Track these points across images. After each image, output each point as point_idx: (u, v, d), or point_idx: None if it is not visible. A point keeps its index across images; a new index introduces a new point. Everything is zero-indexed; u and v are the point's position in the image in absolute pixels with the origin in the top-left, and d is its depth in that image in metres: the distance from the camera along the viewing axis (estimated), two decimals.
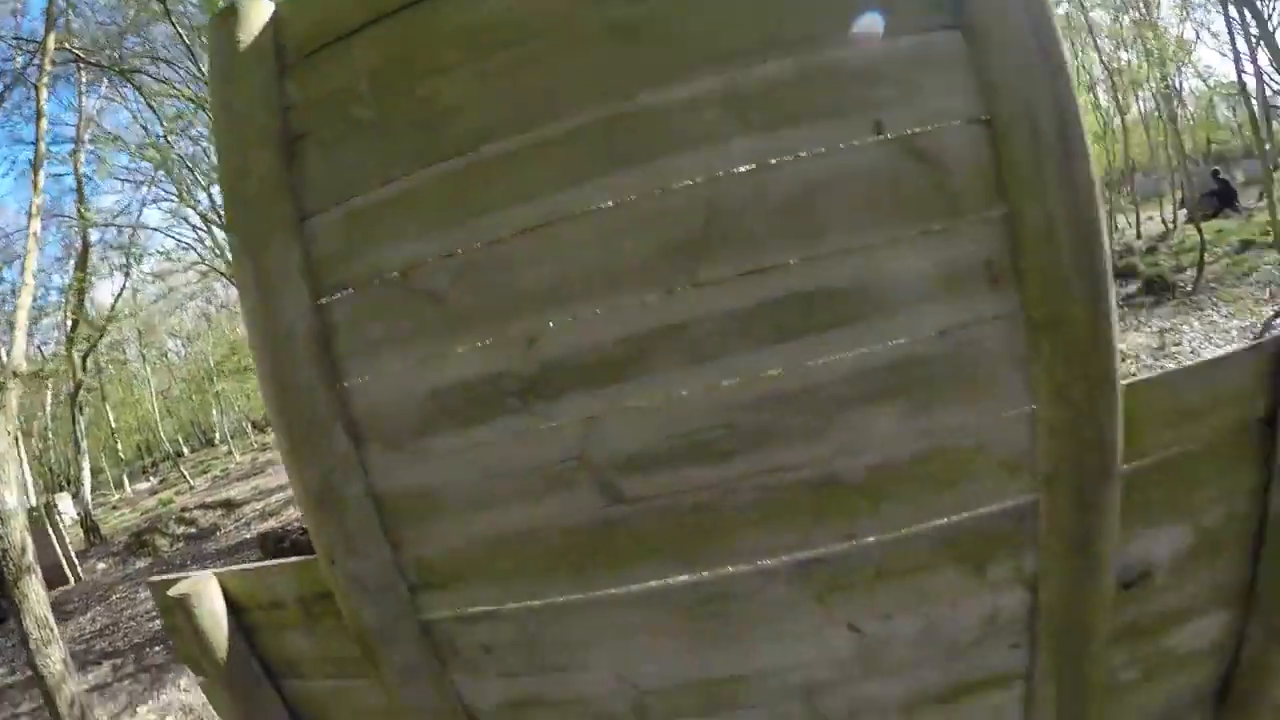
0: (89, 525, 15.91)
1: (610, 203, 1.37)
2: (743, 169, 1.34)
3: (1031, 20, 1.26)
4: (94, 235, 14.32)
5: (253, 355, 1.61)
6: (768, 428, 1.37)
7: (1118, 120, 21.75)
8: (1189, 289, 9.96)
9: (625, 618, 1.52)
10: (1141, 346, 8.44)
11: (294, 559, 1.90)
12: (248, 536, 11.73)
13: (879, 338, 1.34)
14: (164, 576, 2.12)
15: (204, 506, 14.79)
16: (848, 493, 1.40)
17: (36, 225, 7.28)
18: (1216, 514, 1.63)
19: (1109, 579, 1.52)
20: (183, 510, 14.85)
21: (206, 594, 1.95)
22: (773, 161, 1.33)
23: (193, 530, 13.66)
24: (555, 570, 1.50)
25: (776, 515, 1.41)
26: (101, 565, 13.36)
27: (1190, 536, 1.63)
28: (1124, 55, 20.63)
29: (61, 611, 10.23)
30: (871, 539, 1.43)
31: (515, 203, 1.39)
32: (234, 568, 2.09)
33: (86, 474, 17.49)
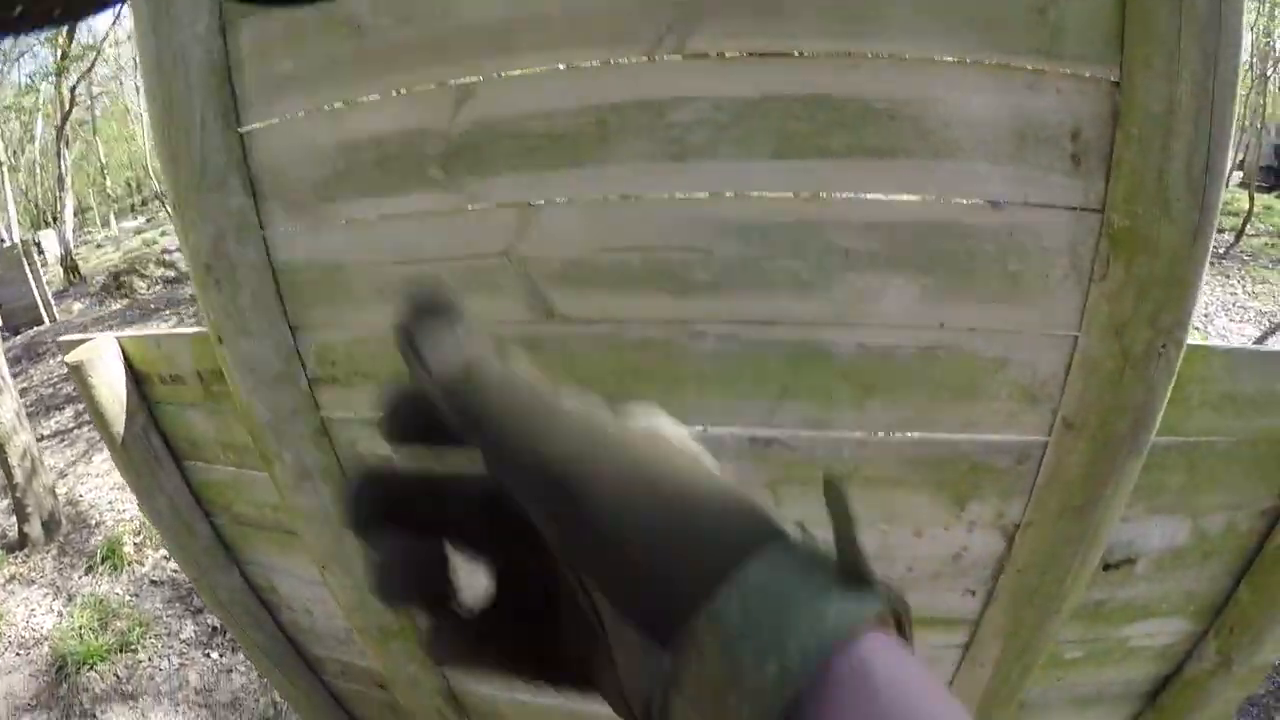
0: (69, 264, 15.66)
1: None
2: None
3: None
4: None
5: (142, 79, 1.33)
6: (750, 264, 1.08)
7: None
8: (1221, 251, 9.51)
9: None
10: None
11: (194, 329, 1.69)
12: None
13: (914, 183, 1.03)
14: (74, 336, 1.94)
15: None
16: (830, 372, 1.14)
17: None
18: (1218, 522, 1.46)
19: (1096, 554, 1.32)
20: (164, 252, 14.49)
21: (105, 360, 1.78)
22: None
23: (171, 274, 13.31)
24: None
25: (739, 376, 1.16)
26: (78, 305, 13.21)
27: (1185, 535, 1.46)
28: None
29: (34, 353, 10.18)
30: (846, 434, 1.19)
31: None
32: (138, 333, 1.89)
33: (69, 210, 17.03)
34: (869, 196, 1.03)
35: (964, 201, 1.03)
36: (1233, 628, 1.59)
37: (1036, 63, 0.98)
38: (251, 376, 1.40)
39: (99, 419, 1.83)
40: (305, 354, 1.37)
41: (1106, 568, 1.45)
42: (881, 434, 1.19)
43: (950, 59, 0.99)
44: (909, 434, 1.19)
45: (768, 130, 1.00)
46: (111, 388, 1.80)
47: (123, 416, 1.83)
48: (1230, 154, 1.03)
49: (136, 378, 1.84)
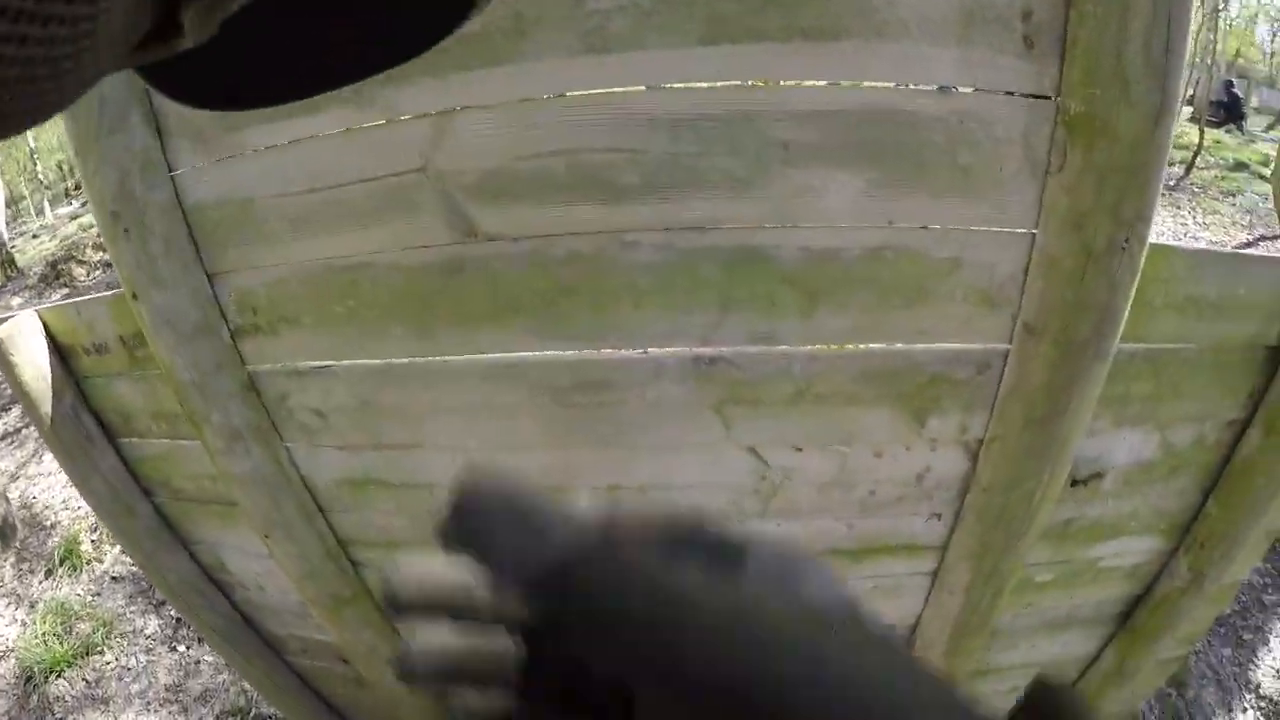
0: (4, 258, 15.10)
1: None
2: None
3: None
4: None
5: None
6: (682, 163, 1.00)
7: None
8: (1171, 184, 9.63)
9: (476, 393, 1.23)
10: None
11: (115, 291, 1.59)
12: None
13: (857, 68, 0.95)
14: None
15: None
16: (772, 278, 1.07)
17: None
18: (1186, 434, 1.43)
19: (1064, 469, 1.29)
20: (101, 235, 14.06)
21: (26, 337, 1.67)
22: None
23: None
24: (392, 320, 1.19)
25: (676, 288, 1.08)
26: (17, 300, 12.74)
27: (1153, 448, 1.43)
28: None
29: None
30: (794, 348, 1.12)
31: None
32: (58, 303, 1.79)
33: (0, 203, 16.40)
34: (808, 83, 0.95)
35: (911, 87, 0.96)
36: (1203, 543, 1.56)
37: None
38: (170, 332, 1.31)
39: (26, 399, 1.73)
40: (225, 303, 1.28)
41: (1074, 484, 1.41)
42: (832, 346, 1.13)
43: None
44: (861, 345, 1.13)
45: (695, 14, 0.92)
46: (35, 365, 1.69)
47: (50, 395, 1.73)
48: (1188, 52, 0.98)
49: (61, 353, 1.73)
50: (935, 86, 0.96)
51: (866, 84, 0.96)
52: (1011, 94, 0.98)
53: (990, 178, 1.01)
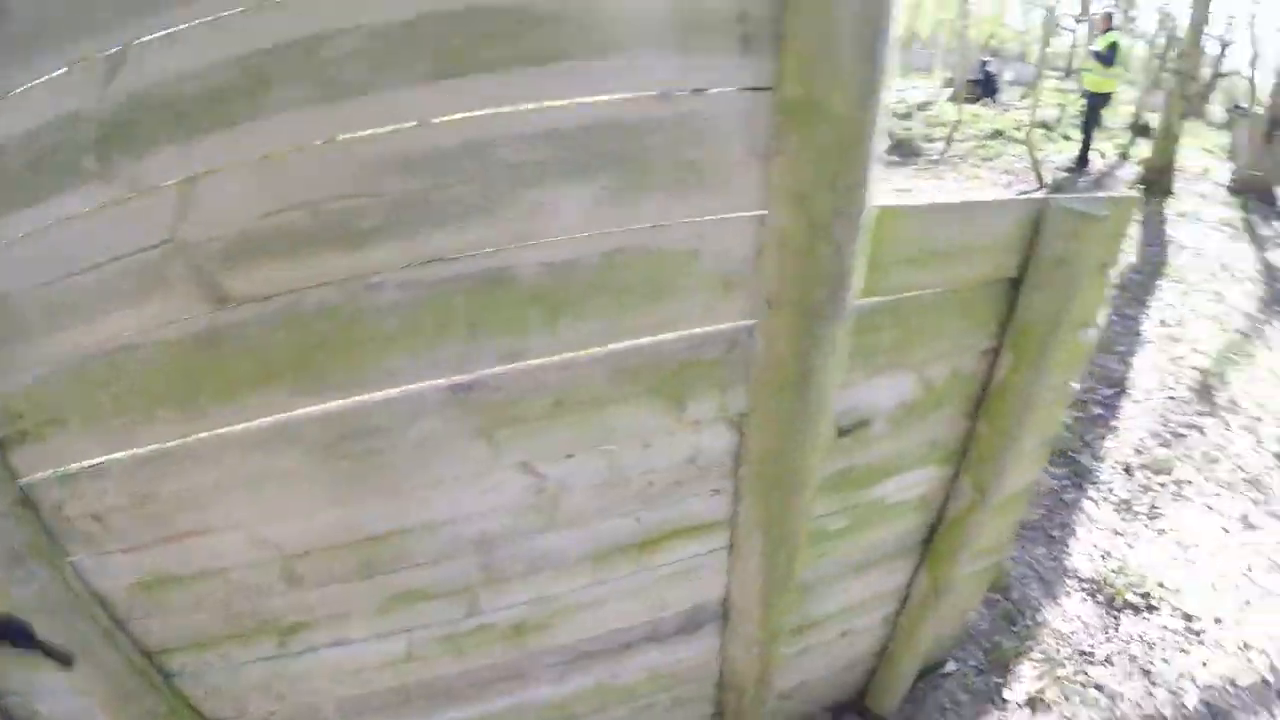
0: None
1: None
2: None
3: None
4: None
5: None
6: (419, 198, 1.03)
7: None
8: (935, 158, 10.64)
9: (249, 462, 1.20)
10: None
11: None
12: None
13: (576, 87, 1.01)
14: None
15: None
16: (516, 298, 1.12)
17: None
18: (941, 370, 1.56)
19: (827, 424, 1.39)
20: None
21: None
22: None
23: None
24: (158, 403, 1.13)
25: (424, 323, 1.11)
26: None
27: (913, 388, 1.55)
28: None
29: None
30: (545, 360, 1.18)
31: None
32: None
33: None
34: (531, 106, 1.01)
35: (632, 97, 1.03)
36: (980, 460, 1.72)
37: None
38: None
39: None
40: None
41: (841, 434, 1.52)
42: (582, 353, 1.19)
43: None
44: (610, 346, 1.19)
45: (423, 53, 0.95)
46: None
47: None
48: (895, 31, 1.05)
49: None
50: (657, 91, 1.03)
51: (588, 100, 1.01)
52: (730, 90, 1.05)
53: (717, 170, 1.09)
